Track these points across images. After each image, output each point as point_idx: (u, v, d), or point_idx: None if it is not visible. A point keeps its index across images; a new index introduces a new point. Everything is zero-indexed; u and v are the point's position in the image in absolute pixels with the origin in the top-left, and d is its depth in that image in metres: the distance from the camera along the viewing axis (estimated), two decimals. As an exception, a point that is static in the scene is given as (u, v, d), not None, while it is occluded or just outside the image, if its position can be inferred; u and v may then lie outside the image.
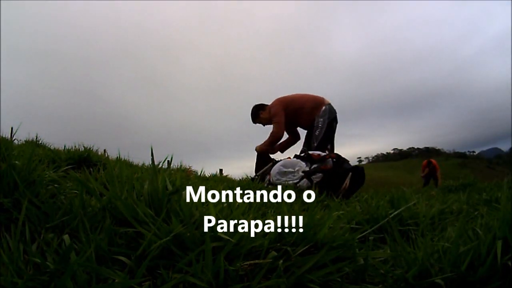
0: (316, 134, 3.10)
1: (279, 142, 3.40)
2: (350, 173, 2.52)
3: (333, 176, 2.52)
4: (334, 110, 3.23)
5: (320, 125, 3.12)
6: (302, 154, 2.71)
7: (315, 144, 3.06)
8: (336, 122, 3.26)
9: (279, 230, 0.82)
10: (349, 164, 2.67)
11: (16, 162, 0.98)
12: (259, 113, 3.42)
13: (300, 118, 3.25)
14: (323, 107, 3.17)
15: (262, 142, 3.31)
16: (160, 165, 1.21)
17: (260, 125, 3.49)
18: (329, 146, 3.14)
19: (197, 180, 2.31)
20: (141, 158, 3.03)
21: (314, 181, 2.47)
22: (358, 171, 2.55)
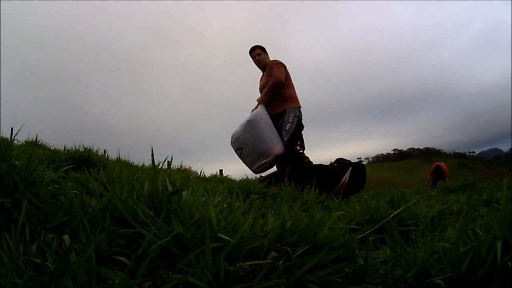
0: (287, 128, 3.05)
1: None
2: (350, 168, 2.52)
3: (330, 172, 2.55)
4: (302, 115, 3.24)
5: (290, 120, 3.08)
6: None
7: (285, 138, 3.03)
8: (303, 126, 3.23)
9: (279, 230, 0.82)
10: (349, 161, 2.68)
11: (16, 162, 0.98)
12: (264, 52, 3.41)
13: (279, 93, 3.19)
14: (296, 106, 3.18)
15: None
16: (160, 166, 1.21)
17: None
18: (299, 142, 3.10)
19: (197, 180, 2.31)
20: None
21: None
22: (359, 168, 2.56)
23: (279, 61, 3.30)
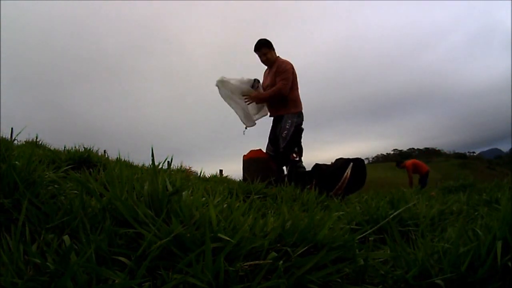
0: (283, 135, 3.03)
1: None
2: (352, 163, 2.54)
3: (331, 169, 2.58)
4: (303, 118, 3.18)
5: (287, 126, 3.04)
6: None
7: (283, 145, 3.02)
8: (302, 129, 3.19)
9: (279, 230, 0.82)
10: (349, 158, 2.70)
11: (16, 162, 0.98)
12: (271, 49, 3.18)
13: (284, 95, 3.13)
14: (297, 111, 3.12)
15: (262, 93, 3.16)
16: (160, 166, 1.20)
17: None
18: (296, 149, 3.09)
19: (197, 181, 2.31)
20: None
21: None
22: (360, 163, 2.58)
23: (287, 65, 3.10)
